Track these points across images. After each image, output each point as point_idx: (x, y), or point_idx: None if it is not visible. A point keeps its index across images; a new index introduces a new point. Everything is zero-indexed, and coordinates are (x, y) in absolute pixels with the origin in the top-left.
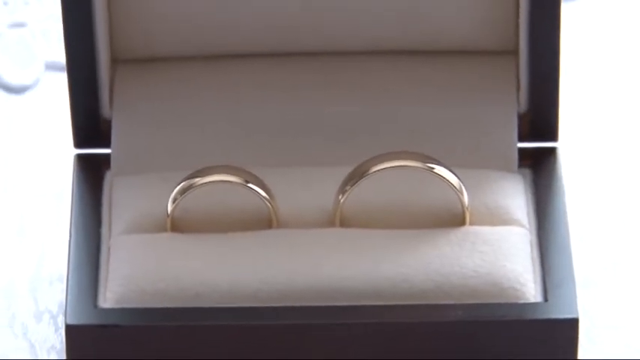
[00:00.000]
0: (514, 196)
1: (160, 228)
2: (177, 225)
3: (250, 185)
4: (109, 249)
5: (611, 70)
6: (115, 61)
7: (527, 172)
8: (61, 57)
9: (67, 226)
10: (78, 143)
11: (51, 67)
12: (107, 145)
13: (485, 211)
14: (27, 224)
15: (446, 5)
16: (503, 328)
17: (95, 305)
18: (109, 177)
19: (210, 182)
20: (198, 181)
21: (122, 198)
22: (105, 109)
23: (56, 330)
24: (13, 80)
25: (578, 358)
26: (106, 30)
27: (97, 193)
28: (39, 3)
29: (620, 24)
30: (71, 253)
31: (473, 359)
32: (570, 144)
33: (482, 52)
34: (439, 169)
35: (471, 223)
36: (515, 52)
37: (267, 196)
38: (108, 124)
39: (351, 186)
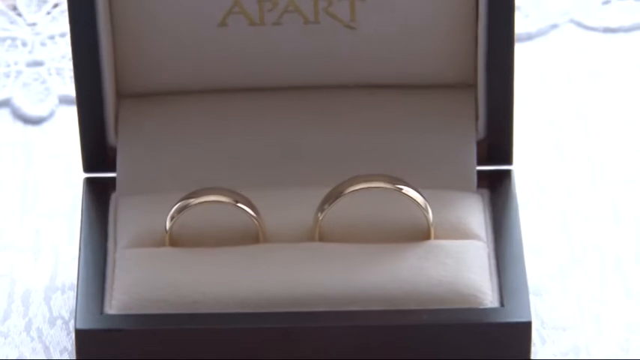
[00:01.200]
0: (473, 214)
1: (160, 243)
2: (174, 240)
3: (239, 205)
4: (114, 261)
5: (558, 102)
6: (120, 95)
7: (485, 192)
8: (73, 92)
9: (78, 241)
10: (87, 168)
11: (64, 101)
12: (113, 169)
13: (448, 227)
14: (42, 240)
15: (414, 46)
16: (464, 330)
17: (102, 312)
18: (114, 198)
19: (203, 202)
20: (193, 201)
21: (126, 216)
22: (111, 138)
23: (68, 334)
24: (31, 112)
25: (531, 356)
26: (112, 69)
27: (104, 212)
28: (54, 45)
29: (565, 61)
30: (81, 265)
31: (437, 359)
32: (523, 167)
33: (445, 86)
34: (407, 190)
35: (436, 238)
36: (474, 86)
37: (254, 215)
38: (113, 151)
39: (329, 205)
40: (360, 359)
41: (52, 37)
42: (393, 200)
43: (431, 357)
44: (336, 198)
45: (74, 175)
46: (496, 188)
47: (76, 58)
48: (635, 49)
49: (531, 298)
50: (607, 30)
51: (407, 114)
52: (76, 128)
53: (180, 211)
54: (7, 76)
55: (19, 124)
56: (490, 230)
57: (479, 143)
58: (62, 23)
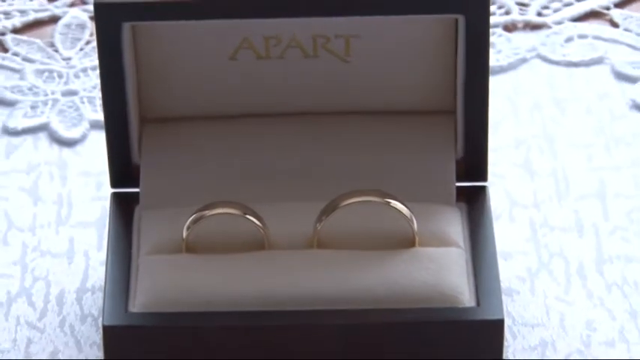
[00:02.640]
0: (453, 224)
1: (177, 250)
2: (190, 247)
3: (248, 216)
4: (137, 266)
5: (526, 126)
6: (143, 120)
7: (463, 205)
8: (102, 118)
9: (106, 248)
10: (114, 184)
11: (95, 125)
12: (137, 185)
13: (430, 236)
14: (75, 247)
15: (401, 78)
16: (445, 327)
17: (126, 310)
18: (137, 210)
19: (216, 214)
20: (207, 213)
21: (148, 227)
22: (135, 157)
23: (97, 330)
24: (66, 136)
25: (503, 350)
26: (135, 97)
27: (129, 223)
28: (87, 77)
29: (532, 91)
30: (108, 269)
31: (420, 352)
32: (497, 183)
33: (428, 112)
34: (394, 203)
35: (420, 246)
36: (453, 112)
37: (260, 225)
38: (137, 169)
39: (326, 216)
40: (353, 353)
41: (84, 70)
42: (383, 212)
43: (415, 351)
44: (333, 210)
45: (103, 191)
46: (473, 202)
47: (104, 88)
48: (593, 80)
49: (504, 298)
50: (569, 64)
51: (395, 137)
52: (105, 149)
53: (195, 221)
54: (45, 104)
55: (56, 146)
56: (467, 239)
57: (457, 162)
58: (93, 58)
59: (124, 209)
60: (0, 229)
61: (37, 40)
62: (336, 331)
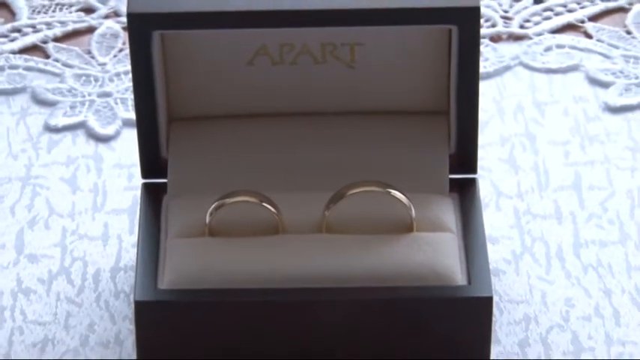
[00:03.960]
0: (447, 212)
1: (201, 234)
2: (213, 232)
3: (264, 204)
4: (165, 248)
5: (511, 126)
6: (170, 119)
7: (456, 195)
8: (134, 117)
9: (137, 232)
10: (144, 175)
11: (127, 123)
12: (165, 176)
13: (426, 222)
14: (109, 231)
15: (400, 81)
16: (440, 303)
17: (155, 287)
18: (165, 199)
19: (236, 202)
20: (228, 200)
21: (174, 213)
22: (163, 152)
23: (129, 305)
24: (101, 132)
25: (492, 324)
26: (164, 99)
27: (157, 210)
28: (120, 81)
29: (516, 95)
30: (139, 251)
31: (418, 325)
32: (485, 176)
33: (424, 112)
34: (394, 193)
35: (417, 231)
36: (447, 113)
37: (275, 212)
38: (165, 162)
39: (334, 204)
40: (357, 326)
41: (117, 75)
42: (384, 201)
43: (413, 324)
44: (340, 199)
45: (134, 181)
46: (464, 192)
47: (136, 90)
48: (569, 85)
49: (492, 278)
50: (549, 71)
51: (394, 134)
52: (136, 145)
53: (217, 208)
54: (83, 104)
55: (92, 142)
56: (459, 225)
57: (450, 157)
58: (126, 64)
59: (153, 198)
60: (42, 215)
61: (76, 48)
62: (342, 307)
